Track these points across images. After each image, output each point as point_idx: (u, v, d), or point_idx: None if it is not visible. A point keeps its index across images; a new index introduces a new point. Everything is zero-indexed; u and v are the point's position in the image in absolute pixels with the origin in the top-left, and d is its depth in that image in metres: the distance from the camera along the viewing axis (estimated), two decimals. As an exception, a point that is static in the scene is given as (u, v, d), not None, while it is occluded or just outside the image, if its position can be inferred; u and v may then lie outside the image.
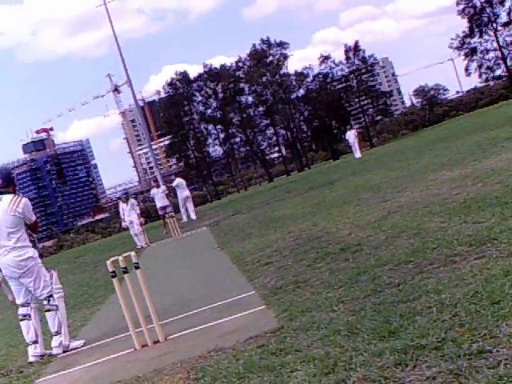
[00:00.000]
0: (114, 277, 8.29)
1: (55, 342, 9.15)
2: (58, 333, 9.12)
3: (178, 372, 6.08)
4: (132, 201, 27.82)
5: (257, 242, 14.17)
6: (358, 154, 46.86)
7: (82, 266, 25.63)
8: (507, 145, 17.45)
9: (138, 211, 27.56)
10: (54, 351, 9.12)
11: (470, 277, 6.01)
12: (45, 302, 9.20)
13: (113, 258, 8.44)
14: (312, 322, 6.18)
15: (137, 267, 8.20)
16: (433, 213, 10.32)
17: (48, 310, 9.22)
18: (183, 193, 35.15)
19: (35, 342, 9.13)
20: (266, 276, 9.71)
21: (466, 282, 5.86)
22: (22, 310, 9.28)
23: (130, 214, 26.69)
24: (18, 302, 9.31)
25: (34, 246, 9.40)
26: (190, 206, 35.82)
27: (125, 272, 8.21)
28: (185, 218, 35.26)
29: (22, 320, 9.27)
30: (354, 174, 27.68)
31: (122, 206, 27.56)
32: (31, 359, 9.08)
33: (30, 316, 9.23)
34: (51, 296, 9.14)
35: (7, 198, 9.20)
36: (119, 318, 9.30)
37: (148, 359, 7.19)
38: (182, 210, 36.00)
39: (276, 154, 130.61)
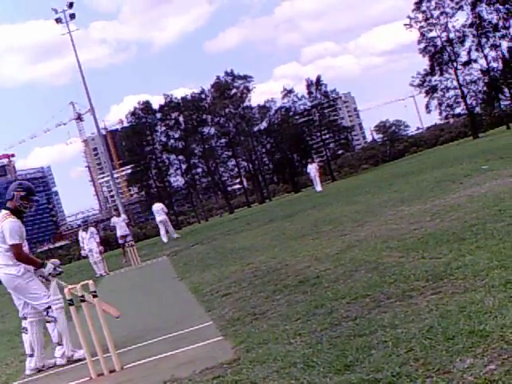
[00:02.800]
0: (71, 305, 8.23)
1: (58, 352, 9.09)
2: (59, 344, 9.00)
3: (133, 402, 6.04)
4: (91, 229, 27.72)
5: (216, 273, 14.14)
6: (318, 188, 47.04)
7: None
8: (465, 181, 17.67)
9: (98, 239, 27.46)
10: (58, 362, 9.06)
11: (425, 312, 6.06)
12: (44, 314, 9.13)
13: (70, 286, 8.39)
14: (269, 354, 6.18)
15: (94, 296, 8.15)
16: (391, 247, 10.39)
17: (48, 322, 9.15)
18: (157, 218, 37.81)
19: (31, 356, 9.09)
20: (223, 307, 9.70)
21: (422, 317, 5.90)
22: (22, 323, 9.38)
23: (89, 242, 26.62)
24: (19, 315, 9.42)
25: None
26: (169, 228, 38.42)
27: (82, 300, 8.16)
28: (164, 240, 37.13)
29: (21, 333, 9.43)
30: (315, 207, 27.77)
31: (81, 234, 27.51)
32: (27, 372, 9.13)
33: (26, 330, 9.25)
34: (49, 307, 9.01)
35: (1, 213, 9.33)
36: (76, 346, 9.21)
37: (103, 389, 7.14)
38: (162, 233, 38.00)
39: (237, 186, 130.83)
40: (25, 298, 9.30)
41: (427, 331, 5.42)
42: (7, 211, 9.30)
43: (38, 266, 9.33)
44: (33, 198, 9.70)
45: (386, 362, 4.96)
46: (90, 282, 8.32)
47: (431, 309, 6.11)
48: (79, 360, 8.77)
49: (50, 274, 9.30)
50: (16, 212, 9.35)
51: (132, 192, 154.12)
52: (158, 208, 37.71)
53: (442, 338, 5.12)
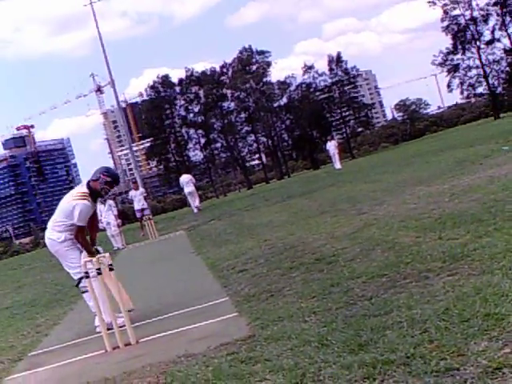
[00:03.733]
0: (87, 277, 8.28)
1: (96, 322, 9.01)
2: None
3: (148, 376, 6.08)
4: (109, 202, 27.78)
5: (233, 249, 14.18)
6: (338, 165, 46.93)
7: (57, 264, 25.33)
8: (485, 162, 17.58)
9: (116, 212, 27.55)
10: (97, 330, 8.91)
11: (441, 293, 6.04)
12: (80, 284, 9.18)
13: (87, 259, 8.44)
14: (283, 331, 6.19)
15: (111, 269, 8.19)
16: (408, 227, 10.37)
17: (83, 292, 9.20)
18: (186, 189, 39.02)
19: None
20: (240, 283, 9.72)
21: (438, 299, 5.89)
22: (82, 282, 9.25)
23: (107, 214, 26.67)
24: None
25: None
26: (192, 200, 39.73)
27: (99, 273, 8.20)
28: (195, 210, 38.80)
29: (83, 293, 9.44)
30: (333, 184, 27.74)
31: (99, 207, 27.50)
32: (97, 330, 9.01)
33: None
34: (82, 278, 8.92)
35: (78, 189, 9.58)
36: (92, 318, 9.27)
37: (118, 361, 7.18)
38: (192, 204, 40.10)
39: (256, 162, 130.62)
40: (63, 264, 9.61)
41: (443, 313, 5.41)
42: (87, 191, 9.39)
43: (89, 254, 9.33)
44: (114, 186, 9.77)
45: (400, 342, 4.96)
46: (107, 254, 8.37)
47: (447, 290, 6.10)
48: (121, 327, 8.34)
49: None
50: (93, 194, 9.44)
51: (151, 165, 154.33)
52: (186, 179, 38.42)
53: (458, 320, 5.11)
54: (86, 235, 9.55)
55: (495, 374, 3.95)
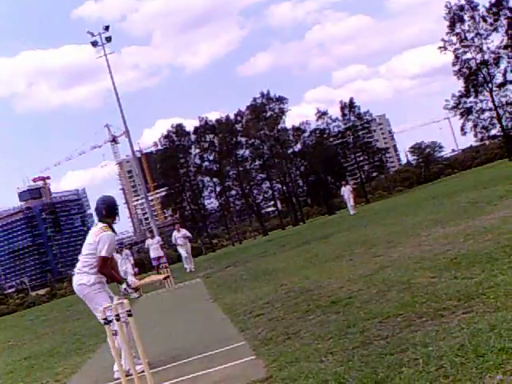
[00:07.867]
0: (106, 323, 8.33)
1: (115, 368, 9.01)
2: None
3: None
4: (126, 251, 27.94)
5: (249, 294, 14.20)
6: (352, 211, 46.90)
7: (74, 314, 25.45)
8: (500, 203, 17.60)
9: (132, 261, 27.67)
10: (116, 376, 9.00)
11: (456, 330, 6.09)
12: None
13: (106, 305, 8.50)
14: (300, 372, 6.23)
15: (129, 315, 8.25)
16: (424, 268, 10.40)
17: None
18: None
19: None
20: (257, 327, 9.76)
21: (453, 336, 5.93)
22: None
23: (123, 264, 26.75)
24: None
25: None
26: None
27: (117, 320, 8.25)
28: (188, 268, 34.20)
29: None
30: (348, 229, 27.74)
31: (115, 256, 27.66)
32: (115, 376, 9.05)
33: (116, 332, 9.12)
34: (109, 321, 8.85)
35: (99, 225, 9.58)
36: (110, 366, 9.29)
37: (137, 407, 7.21)
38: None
39: (271, 208, 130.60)
40: (91, 307, 9.57)
41: (458, 349, 5.44)
42: (105, 224, 9.55)
43: (118, 281, 9.55)
44: (117, 207, 10.02)
45: (416, 378, 4.99)
46: (126, 301, 8.43)
47: (462, 327, 6.14)
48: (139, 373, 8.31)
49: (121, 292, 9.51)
50: (110, 226, 9.63)
51: (166, 214, 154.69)
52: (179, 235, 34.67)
53: (473, 356, 5.14)
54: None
55: (510, 406, 3.99)
